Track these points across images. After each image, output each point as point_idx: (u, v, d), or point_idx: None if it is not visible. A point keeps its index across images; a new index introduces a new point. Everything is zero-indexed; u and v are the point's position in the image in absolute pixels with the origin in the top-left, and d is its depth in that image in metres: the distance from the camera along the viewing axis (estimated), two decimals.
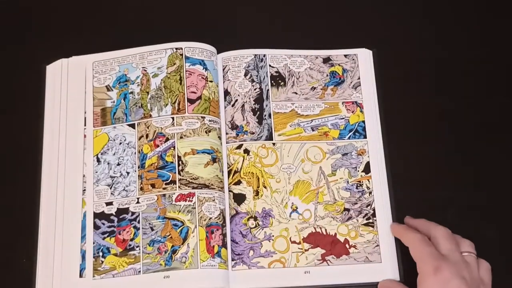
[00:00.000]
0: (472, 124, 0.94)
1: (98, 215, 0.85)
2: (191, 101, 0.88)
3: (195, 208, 0.84)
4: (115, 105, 0.90)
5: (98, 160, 0.88)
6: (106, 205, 0.85)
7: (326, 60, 0.95)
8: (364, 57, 0.95)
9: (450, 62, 0.97)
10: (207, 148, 0.87)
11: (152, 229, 0.83)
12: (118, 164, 0.87)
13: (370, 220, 0.87)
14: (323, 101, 0.93)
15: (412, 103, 0.94)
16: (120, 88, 0.91)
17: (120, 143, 0.88)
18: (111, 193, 0.86)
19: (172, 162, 0.86)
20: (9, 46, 0.97)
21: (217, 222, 0.84)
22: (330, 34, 0.98)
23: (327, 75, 0.94)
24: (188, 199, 0.84)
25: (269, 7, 1.01)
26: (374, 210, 0.88)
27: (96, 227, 0.84)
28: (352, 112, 0.92)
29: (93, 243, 0.84)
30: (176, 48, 0.91)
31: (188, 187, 0.85)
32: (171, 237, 0.83)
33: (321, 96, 0.93)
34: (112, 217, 0.85)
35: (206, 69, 0.90)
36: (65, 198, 0.86)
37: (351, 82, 0.94)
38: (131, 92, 0.90)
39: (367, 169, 0.89)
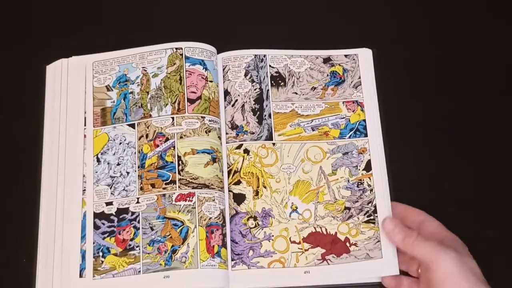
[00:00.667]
0: (472, 124, 0.94)
1: (98, 215, 0.85)
2: (191, 101, 0.88)
3: (195, 208, 0.84)
4: (115, 105, 0.90)
5: (98, 160, 0.87)
6: (106, 205, 0.85)
7: (327, 60, 0.94)
8: (364, 57, 0.94)
9: (450, 62, 0.97)
10: (207, 148, 0.87)
11: (152, 229, 0.83)
12: (118, 164, 0.87)
13: (371, 217, 0.86)
14: (324, 101, 0.92)
15: (412, 104, 0.95)
16: (120, 88, 0.91)
17: (120, 143, 0.88)
18: (111, 193, 0.86)
19: (172, 162, 0.86)
20: (9, 46, 0.97)
21: (217, 222, 0.84)
22: (330, 34, 0.98)
23: (327, 75, 0.94)
24: (188, 199, 0.84)
25: (269, 7, 1.01)
26: (375, 206, 0.87)
27: (96, 227, 0.84)
28: (353, 111, 0.92)
29: (93, 243, 0.84)
30: (176, 48, 0.91)
31: (188, 187, 0.85)
32: (171, 237, 0.83)
33: (322, 96, 0.93)
34: (112, 217, 0.85)
35: (206, 69, 0.90)
36: (65, 198, 0.86)
37: (351, 82, 0.93)
38: (131, 92, 0.90)
39: (368, 167, 0.89)
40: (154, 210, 0.84)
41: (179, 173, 0.85)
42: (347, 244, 0.85)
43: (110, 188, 0.86)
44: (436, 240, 0.76)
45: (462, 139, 0.93)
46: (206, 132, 0.87)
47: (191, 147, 0.86)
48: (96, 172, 0.87)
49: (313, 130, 0.91)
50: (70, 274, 0.83)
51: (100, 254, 0.83)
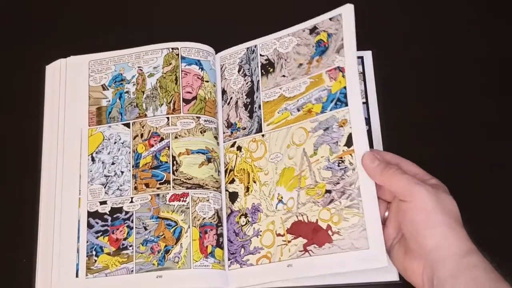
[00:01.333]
0: (472, 124, 0.93)
1: (92, 214, 0.85)
2: (186, 101, 0.88)
3: (188, 208, 0.83)
4: (110, 104, 0.90)
5: (93, 159, 0.88)
6: (100, 204, 0.85)
7: (313, 30, 0.88)
8: (347, 14, 0.86)
9: (450, 62, 0.96)
10: (202, 148, 0.87)
11: (146, 229, 0.83)
12: (113, 163, 0.87)
13: (355, 201, 0.77)
14: (309, 75, 0.86)
15: (412, 104, 0.94)
16: (116, 88, 0.91)
17: (115, 142, 0.88)
18: (105, 192, 0.86)
19: (166, 162, 0.86)
20: (9, 46, 0.98)
21: (211, 222, 0.83)
22: None
23: (313, 46, 0.87)
24: (182, 199, 0.84)
25: (269, 7, 1.01)
26: (358, 189, 0.77)
27: (89, 226, 0.84)
28: (335, 79, 0.83)
29: (87, 242, 0.84)
30: (172, 48, 0.91)
31: (182, 187, 0.84)
32: (164, 237, 0.83)
33: (307, 71, 0.86)
34: (105, 216, 0.85)
35: (202, 69, 0.90)
36: (63, 198, 0.86)
37: (335, 46, 0.85)
38: (127, 92, 0.90)
39: (349, 142, 0.80)
40: (148, 210, 0.84)
41: (173, 173, 0.85)
42: (329, 232, 0.78)
43: (104, 187, 0.86)
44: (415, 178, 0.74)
45: (462, 139, 0.92)
46: (201, 132, 0.87)
47: (186, 147, 0.86)
48: (91, 171, 0.87)
49: (298, 110, 0.85)
50: (67, 274, 0.83)
51: (94, 253, 0.83)
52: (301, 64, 0.87)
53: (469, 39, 0.98)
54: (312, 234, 0.79)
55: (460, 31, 0.99)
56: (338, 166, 0.79)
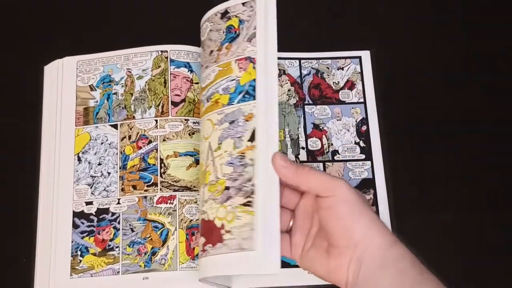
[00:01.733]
0: (472, 124, 0.93)
1: (77, 214, 0.85)
2: (175, 104, 0.88)
3: (175, 210, 0.83)
4: (98, 105, 0.90)
5: (79, 159, 0.88)
6: (86, 205, 0.85)
7: (224, 14, 0.82)
8: (265, 2, 0.79)
9: (449, 62, 0.97)
10: (190, 150, 0.86)
11: (133, 230, 0.83)
12: (99, 164, 0.87)
13: (249, 199, 0.71)
14: (218, 63, 0.80)
15: (411, 104, 0.94)
16: (104, 88, 0.91)
17: (102, 143, 0.88)
18: (91, 193, 0.86)
19: (154, 165, 0.86)
20: (9, 46, 0.98)
21: (198, 224, 0.83)
22: (329, 36, 0.98)
23: (223, 32, 0.81)
24: (169, 201, 0.84)
25: None
26: (253, 185, 0.71)
27: (75, 226, 0.84)
28: (244, 70, 0.77)
29: (72, 242, 0.84)
30: (161, 51, 0.91)
31: (170, 189, 0.84)
32: (151, 239, 0.82)
33: (217, 58, 0.80)
34: (91, 217, 0.85)
35: (191, 71, 0.90)
36: (59, 198, 0.86)
37: (246, 34, 0.78)
38: (115, 93, 0.90)
39: (252, 137, 0.73)
40: (135, 212, 0.84)
41: (161, 176, 0.85)
42: (222, 231, 0.72)
43: (91, 188, 0.86)
44: None
45: (462, 139, 0.92)
46: (189, 134, 0.87)
47: (174, 149, 0.86)
48: (77, 171, 0.87)
49: (207, 101, 0.80)
50: (61, 273, 0.83)
51: (79, 253, 0.83)
52: (212, 51, 0.82)
53: (470, 37, 0.98)
54: (209, 233, 0.74)
55: (460, 30, 0.99)
56: (240, 161, 0.73)
